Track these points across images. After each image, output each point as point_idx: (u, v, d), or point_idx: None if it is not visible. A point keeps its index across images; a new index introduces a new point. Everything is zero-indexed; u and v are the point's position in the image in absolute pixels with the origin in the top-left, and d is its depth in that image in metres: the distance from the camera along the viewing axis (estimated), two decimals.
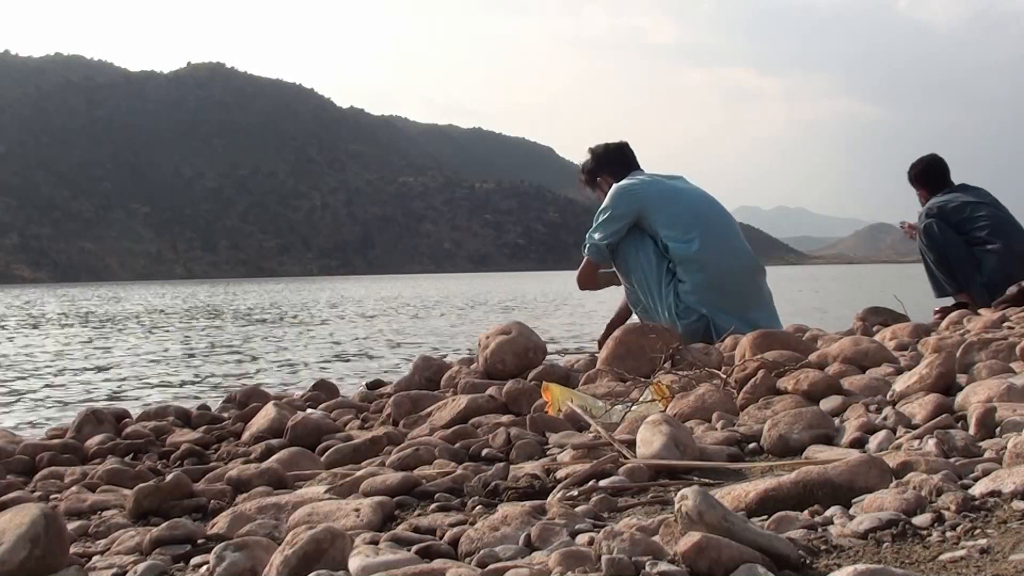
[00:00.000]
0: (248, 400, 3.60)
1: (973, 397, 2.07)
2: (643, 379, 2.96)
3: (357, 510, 1.69)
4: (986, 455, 1.66)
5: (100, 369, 7.72)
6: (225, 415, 3.47)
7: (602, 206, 4.62)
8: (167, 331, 13.78)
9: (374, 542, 1.47)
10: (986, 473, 1.49)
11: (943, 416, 2.00)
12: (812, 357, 2.87)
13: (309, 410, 3.26)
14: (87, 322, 17.28)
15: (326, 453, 2.46)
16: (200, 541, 1.69)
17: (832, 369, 2.68)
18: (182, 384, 6.56)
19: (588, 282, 4.85)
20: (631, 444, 1.98)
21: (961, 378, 2.35)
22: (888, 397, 2.28)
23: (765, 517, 1.41)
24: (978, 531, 1.24)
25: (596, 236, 4.59)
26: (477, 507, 1.72)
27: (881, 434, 1.95)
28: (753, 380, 2.51)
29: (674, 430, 1.92)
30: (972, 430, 1.84)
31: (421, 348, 9.20)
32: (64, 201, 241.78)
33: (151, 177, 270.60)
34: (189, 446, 2.85)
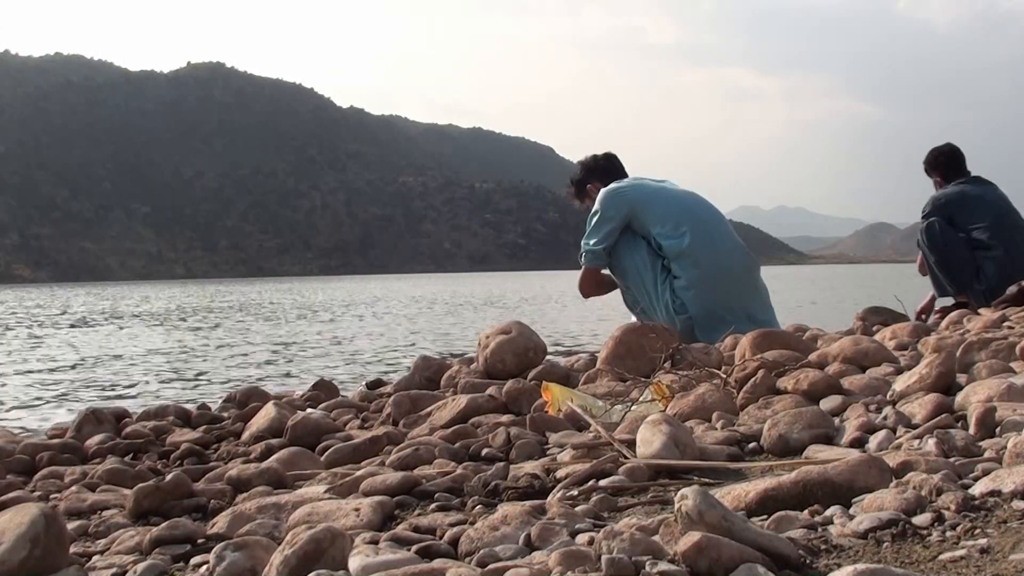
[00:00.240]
0: (248, 400, 3.60)
1: (973, 397, 2.07)
2: (643, 379, 2.96)
3: (357, 510, 1.69)
4: (986, 455, 1.66)
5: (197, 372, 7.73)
6: (225, 415, 3.47)
7: (592, 210, 4.65)
8: (250, 327, 13.87)
9: (374, 542, 1.47)
10: (986, 473, 1.49)
11: (943, 416, 2.00)
12: (812, 357, 2.87)
13: (309, 410, 3.26)
14: (168, 319, 17.35)
15: (326, 453, 2.46)
16: (200, 541, 1.69)
17: (832, 369, 2.68)
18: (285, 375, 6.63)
19: (591, 289, 4.87)
20: (631, 444, 1.98)
21: (961, 378, 2.35)
22: (888, 397, 2.28)
23: (765, 517, 1.41)
24: (978, 531, 1.24)
25: (591, 242, 4.63)
26: (477, 507, 1.72)
27: (881, 434, 1.95)
28: (753, 380, 2.51)
29: (674, 430, 1.92)
30: (972, 430, 1.84)
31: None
32: (64, 201, 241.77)
33: (151, 177, 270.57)
34: (189, 446, 2.84)
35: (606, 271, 4.84)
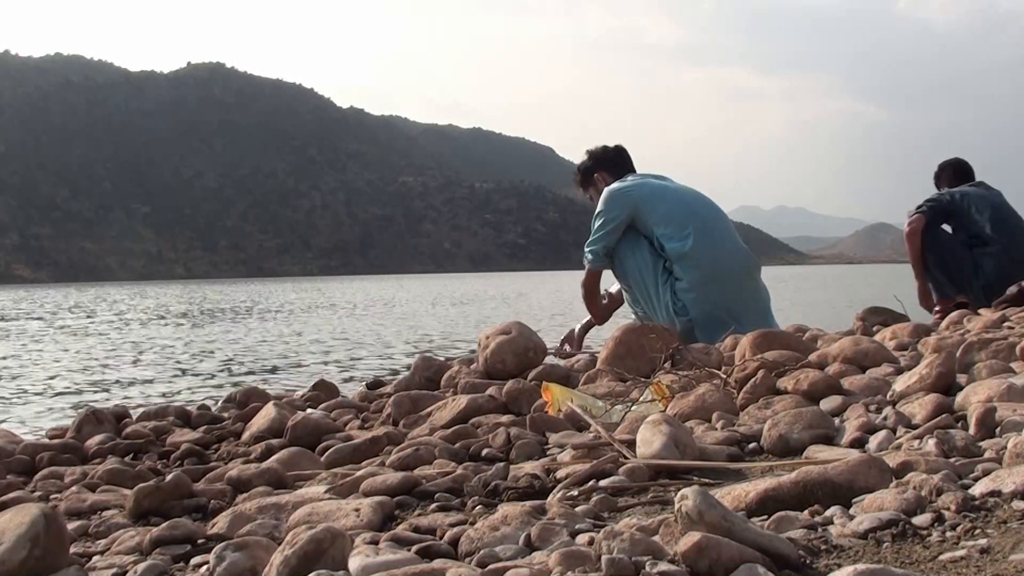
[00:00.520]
0: (248, 400, 3.60)
1: (973, 397, 2.07)
2: (643, 379, 2.96)
3: (357, 510, 1.69)
4: (986, 455, 1.66)
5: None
6: (225, 415, 3.47)
7: (597, 211, 4.64)
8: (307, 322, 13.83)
9: (374, 542, 1.47)
10: (986, 473, 1.49)
11: (943, 416, 2.00)
12: (812, 357, 2.87)
13: (309, 410, 3.26)
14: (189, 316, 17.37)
15: (326, 453, 2.46)
16: (200, 541, 1.69)
17: (832, 369, 2.68)
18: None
19: (594, 291, 4.84)
20: (631, 444, 1.98)
21: (961, 378, 2.35)
22: (888, 397, 2.28)
23: (765, 517, 1.41)
24: (978, 531, 1.24)
25: (596, 243, 4.62)
26: (477, 507, 1.72)
27: (881, 434, 1.95)
28: (753, 380, 2.51)
29: (674, 430, 1.92)
30: (972, 430, 1.84)
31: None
32: (64, 201, 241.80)
33: (151, 177, 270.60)
34: (189, 446, 2.84)
35: (614, 288, 4.85)
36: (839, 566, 1.15)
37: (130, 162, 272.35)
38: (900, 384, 2.30)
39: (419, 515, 1.72)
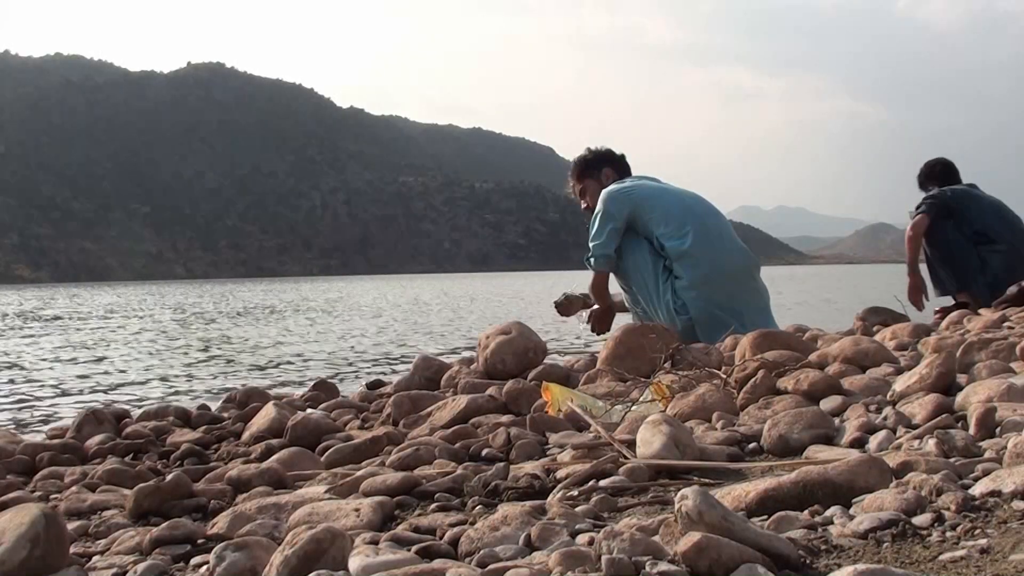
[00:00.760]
0: (248, 400, 3.60)
1: (973, 397, 2.07)
2: (643, 379, 2.96)
3: (357, 510, 1.69)
4: (986, 455, 1.66)
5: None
6: (225, 415, 3.47)
7: (596, 212, 4.62)
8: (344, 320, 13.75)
9: (374, 542, 1.47)
10: (986, 473, 1.49)
11: (943, 416, 2.00)
12: (812, 357, 2.87)
13: (309, 410, 3.26)
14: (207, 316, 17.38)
15: (326, 453, 2.46)
16: (200, 541, 1.69)
17: (832, 369, 2.68)
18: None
19: (603, 293, 4.83)
20: (631, 444, 1.98)
21: (961, 378, 2.35)
22: (888, 397, 2.28)
23: (765, 517, 1.41)
24: (978, 531, 1.24)
25: (599, 245, 4.58)
26: (477, 507, 1.72)
27: (881, 434, 1.95)
28: (753, 380, 2.51)
29: (674, 430, 1.92)
30: (972, 430, 1.83)
31: None
32: (64, 201, 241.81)
33: (151, 177, 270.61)
34: (189, 446, 2.84)
35: (616, 297, 4.84)
36: (839, 566, 1.15)
37: (130, 162, 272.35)
38: (900, 384, 2.30)
39: (419, 515, 1.72)
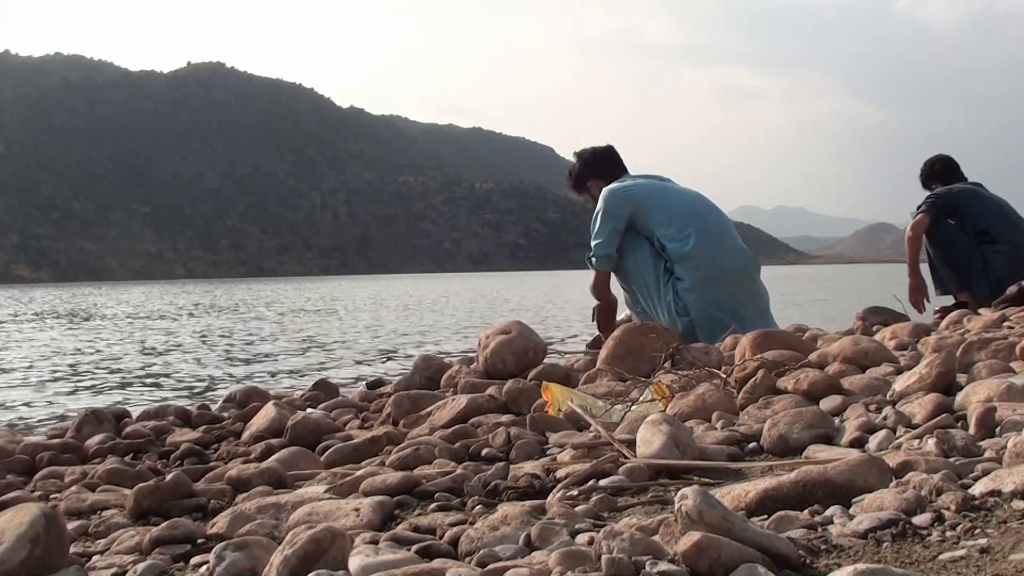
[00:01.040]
0: (248, 400, 3.60)
1: (973, 397, 2.07)
2: (643, 379, 2.96)
3: (357, 510, 1.69)
4: (986, 455, 1.66)
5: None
6: (225, 415, 3.47)
7: (597, 211, 4.60)
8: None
9: (374, 542, 1.47)
10: (986, 473, 1.49)
11: (943, 416, 2.00)
12: (812, 357, 2.87)
13: (309, 410, 3.26)
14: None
15: (326, 453, 2.46)
16: (200, 541, 1.69)
17: (832, 369, 2.68)
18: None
19: (605, 293, 4.81)
20: (631, 444, 1.98)
21: (961, 378, 2.35)
22: (888, 397, 2.28)
23: (765, 517, 1.41)
24: (978, 531, 1.24)
25: (600, 245, 4.57)
26: (477, 507, 1.72)
27: (881, 434, 1.95)
28: (753, 380, 2.51)
29: (674, 430, 1.92)
30: (972, 430, 1.84)
31: None
32: (64, 201, 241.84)
33: (151, 177, 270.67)
34: (189, 446, 2.85)
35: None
36: (839, 566, 1.15)
37: (130, 162, 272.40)
38: (900, 384, 2.30)
39: (419, 515, 1.72)
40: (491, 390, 3.01)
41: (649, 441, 1.89)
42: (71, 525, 1.90)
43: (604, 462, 1.87)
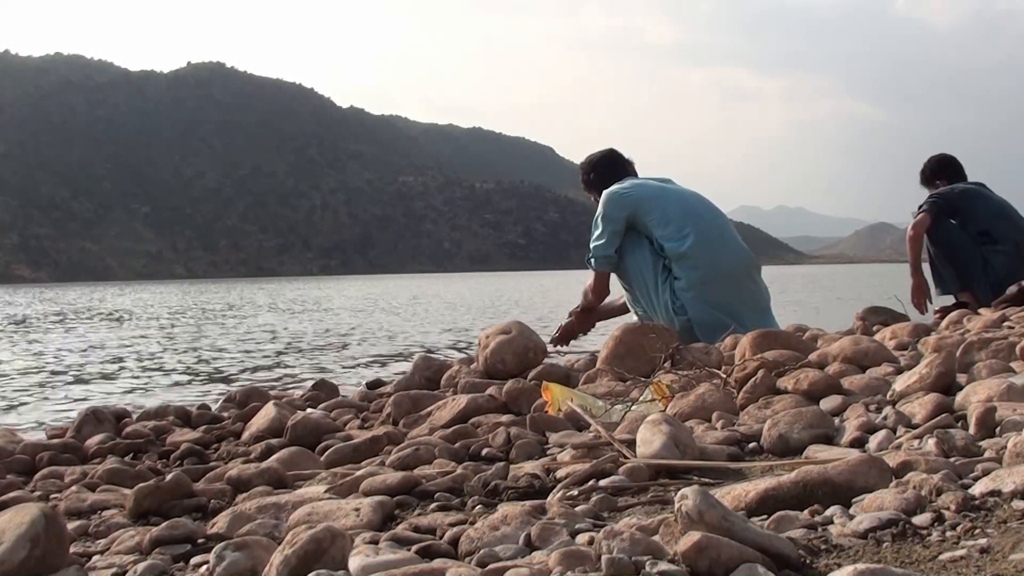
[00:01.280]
0: (248, 400, 3.60)
1: (973, 397, 2.07)
2: (643, 379, 2.96)
3: (357, 510, 1.69)
4: (986, 455, 1.66)
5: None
6: (225, 415, 3.47)
7: (597, 214, 4.67)
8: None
9: (374, 542, 1.47)
10: (986, 473, 1.49)
11: (943, 416, 2.00)
12: (812, 357, 2.87)
13: (309, 410, 3.26)
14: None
15: (326, 453, 2.46)
16: (200, 541, 1.69)
17: (832, 369, 2.68)
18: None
19: (602, 294, 4.85)
20: (631, 444, 1.98)
21: (961, 378, 2.35)
22: (888, 397, 2.28)
23: (765, 517, 1.41)
24: (978, 531, 1.24)
25: (600, 246, 4.62)
26: (477, 507, 1.72)
27: (881, 434, 1.95)
28: (753, 380, 2.51)
29: (674, 430, 1.92)
30: (972, 430, 1.84)
31: None
32: (64, 201, 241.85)
33: (151, 177, 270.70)
34: (189, 446, 2.84)
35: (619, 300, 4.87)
36: (839, 566, 1.15)
37: (130, 162, 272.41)
38: (900, 384, 2.30)
39: (419, 515, 1.72)
40: (491, 390, 3.01)
41: (649, 441, 1.89)
42: (71, 525, 1.90)
43: (604, 462, 1.87)
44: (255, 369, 7.40)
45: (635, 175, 4.91)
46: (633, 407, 2.52)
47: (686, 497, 1.22)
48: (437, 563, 1.30)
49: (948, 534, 1.25)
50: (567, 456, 2.07)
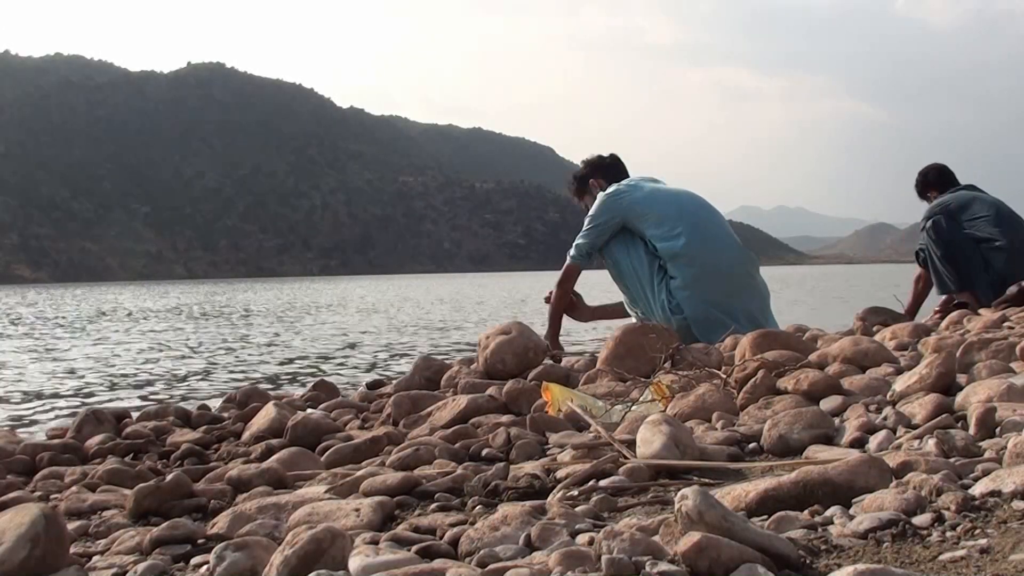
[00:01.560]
0: (248, 400, 3.60)
1: (973, 397, 2.07)
2: (643, 379, 2.96)
3: (357, 510, 1.69)
4: (986, 455, 1.66)
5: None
6: (225, 415, 3.47)
7: (590, 213, 4.73)
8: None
9: (374, 542, 1.47)
10: (986, 473, 1.49)
11: (943, 416, 2.00)
12: (812, 357, 2.87)
13: (309, 410, 3.26)
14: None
15: (326, 453, 2.46)
16: (200, 541, 1.69)
17: (832, 369, 2.68)
18: None
19: (569, 286, 4.86)
20: (631, 444, 1.98)
21: (961, 378, 2.35)
22: (888, 397, 2.28)
23: (765, 517, 1.41)
24: (978, 531, 1.24)
25: (581, 244, 4.72)
26: (477, 507, 1.72)
27: (881, 434, 1.95)
28: (753, 380, 2.51)
29: (674, 430, 1.92)
30: (972, 430, 1.84)
31: None
32: (64, 201, 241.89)
33: (151, 177, 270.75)
34: (189, 446, 2.84)
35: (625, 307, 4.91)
36: (839, 566, 1.15)
37: (130, 162, 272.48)
38: (900, 384, 2.30)
39: (419, 515, 1.72)
40: (491, 390, 3.01)
41: (649, 441, 1.89)
42: (71, 525, 1.90)
43: (604, 462, 1.87)
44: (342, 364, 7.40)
45: (627, 176, 4.98)
46: (633, 407, 2.52)
47: (686, 497, 1.22)
48: (437, 563, 1.30)
49: (948, 534, 1.25)
50: (567, 456, 2.07)
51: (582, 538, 1.36)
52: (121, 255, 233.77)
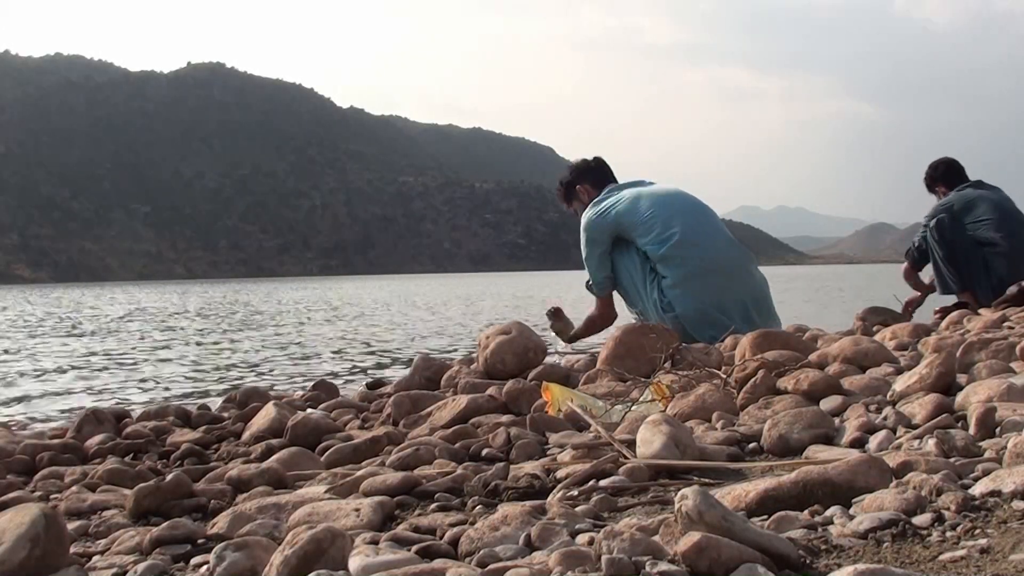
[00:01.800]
0: (248, 400, 3.60)
1: (973, 397, 2.07)
2: (643, 379, 2.96)
3: (357, 510, 1.69)
4: (986, 455, 1.67)
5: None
6: (225, 415, 3.47)
7: (583, 241, 4.80)
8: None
9: (374, 542, 1.47)
10: (986, 473, 1.49)
11: (943, 416, 2.00)
12: (812, 357, 2.87)
13: (309, 410, 3.26)
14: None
15: (326, 453, 2.46)
16: (200, 541, 1.69)
17: (832, 369, 2.68)
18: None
19: (611, 316, 4.96)
20: (631, 444, 1.98)
21: (961, 378, 2.35)
22: (888, 397, 2.28)
23: (765, 517, 1.41)
24: (978, 531, 1.24)
25: (595, 272, 4.78)
26: (477, 507, 1.72)
27: (881, 434, 1.95)
28: (753, 380, 2.51)
29: (674, 430, 1.92)
30: (972, 430, 1.84)
31: None
32: (64, 201, 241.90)
33: (151, 177, 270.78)
34: (189, 446, 2.84)
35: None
36: (839, 566, 1.15)
37: (130, 162, 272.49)
38: (900, 384, 2.30)
39: (419, 515, 1.72)
40: (491, 390, 3.01)
41: (649, 441, 1.89)
42: (71, 525, 1.90)
43: (604, 462, 1.87)
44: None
45: (614, 180, 5.02)
46: (633, 407, 2.52)
47: (686, 497, 1.22)
48: (437, 563, 1.30)
49: (948, 534, 1.25)
50: (567, 456, 2.07)
51: (582, 538, 1.36)
52: (121, 255, 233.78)
